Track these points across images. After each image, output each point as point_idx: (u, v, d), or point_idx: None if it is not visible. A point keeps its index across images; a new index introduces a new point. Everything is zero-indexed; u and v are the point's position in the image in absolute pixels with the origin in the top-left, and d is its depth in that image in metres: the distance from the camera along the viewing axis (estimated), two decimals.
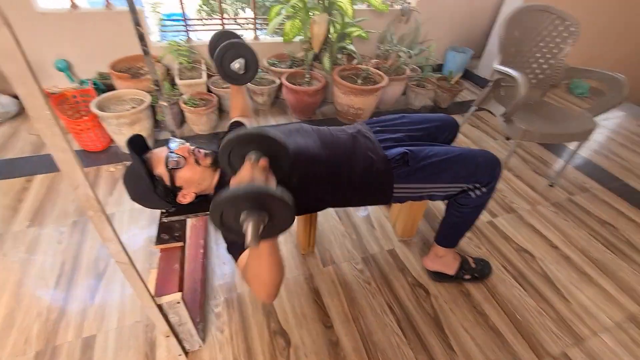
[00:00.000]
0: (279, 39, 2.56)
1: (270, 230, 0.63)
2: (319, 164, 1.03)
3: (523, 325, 1.24)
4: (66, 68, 2.11)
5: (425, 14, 2.70)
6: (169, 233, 1.03)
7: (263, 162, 0.77)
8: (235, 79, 1.17)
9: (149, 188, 0.94)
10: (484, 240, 1.57)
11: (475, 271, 1.36)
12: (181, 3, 2.20)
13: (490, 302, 1.31)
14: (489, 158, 1.11)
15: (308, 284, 1.32)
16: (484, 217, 1.67)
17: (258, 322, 1.18)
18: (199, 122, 2.05)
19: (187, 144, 1.01)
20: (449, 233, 1.28)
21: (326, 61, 2.27)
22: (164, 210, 1.08)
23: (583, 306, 1.32)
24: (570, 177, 2.04)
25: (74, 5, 2.03)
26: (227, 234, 0.72)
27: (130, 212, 1.56)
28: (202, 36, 2.46)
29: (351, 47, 2.36)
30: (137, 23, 1.09)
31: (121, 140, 1.82)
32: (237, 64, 1.10)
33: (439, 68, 3.18)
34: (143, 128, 1.83)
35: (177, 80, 2.08)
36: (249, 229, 0.57)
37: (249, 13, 4.98)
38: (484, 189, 1.12)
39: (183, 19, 2.27)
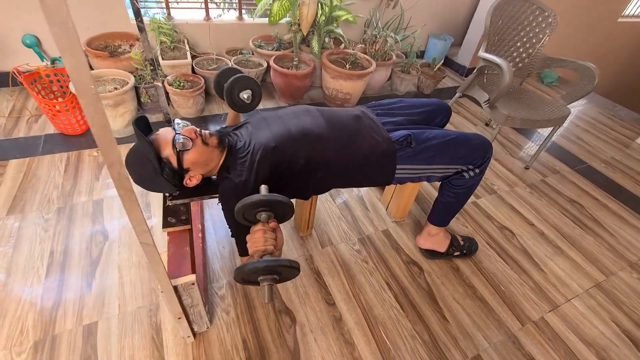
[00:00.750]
0: (264, 20, 2.50)
1: (279, 282, 0.78)
2: (325, 144, 1.05)
3: (507, 295, 1.35)
4: (35, 44, 1.94)
5: (409, 0, 2.73)
6: (175, 216, 1.01)
7: (273, 224, 0.83)
8: (241, 107, 1.24)
9: (156, 171, 0.92)
10: (470, 219, 1.67)
11: (463, 248, 1.45)
12: None
13: (477, 275, 1.41)
14: (482, 141, 1.19)
15: (309, 265, 1.36)
16: (469, 199, 1.77)
17: (263, 303, 1.21)
18: (186, 104, 1.98)
19: (192, 126, 0.99)
20: (442, 213, 1.35)
21: (315, 44, 2.25)
22: (167, 194, 1.06)
23: (557, 276, 1.46)
24: (543, 160, 2.20)
25: None
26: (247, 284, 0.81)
27: (119, 197, 1.50)
28: (184, 15, 2.34)
29: (339, 30, 2.35)
30: (137, 14, 1.03)
31: None
32: (245, 94, 1.20)
33: (420, 55, 3.25)
34: (127, 110, 1.74)
35: (160, 61, 1.98)
36: (265, 290, 0.74)
37: None
38: (477, 170, 1.19)
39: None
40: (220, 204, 1.00)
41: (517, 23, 1.93)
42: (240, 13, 2.43)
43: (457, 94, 2.12)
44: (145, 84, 1.85)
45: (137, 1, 1.04)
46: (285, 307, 1.21)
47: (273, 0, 2.03)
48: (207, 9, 2.31)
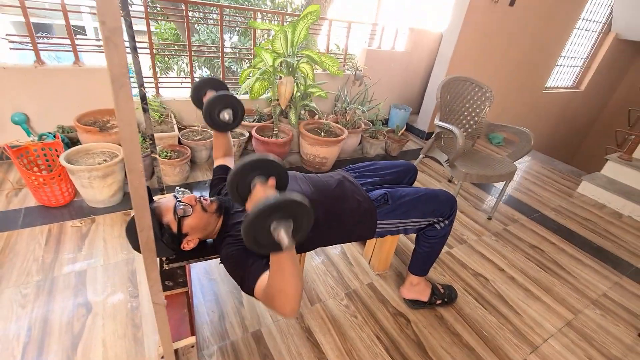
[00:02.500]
0: (245, 96, 2.78)
1: (295, 234, 0.72)
2: (315, 208, 1.17)
3: (490, 340, 1.42)
4: (23, 121, 2.02)
5: (372, 78, 3.18)
6: (172, 280, 1.05)
7: (271, 181, 0.88)
8: (223, 127, 1.26)
9: (156, 236, 0.98)
10: (446, 268, 1.79)
11: (444, 296, 1.54)
12: (153, 63, 2.33)
13: (460, 322, 1.48)
14: (447, 196, 1.37)
15: (299, 324, 1.37)
16: (443, 248, 1.91)
17: (246, 343, 1.19)
18: (172, 173, 2.07)
19: (193, 193, 1.09)
20: (421, 262, 1.47)
21: (292, 116, 2.51)
22: (164, 259, 1.10)
23: (532, 317, 1.56)
24: (502, 211, 2.44)
25: (39, 61, 2.03)
26: (259, 249, 0.75)
27: (104, 268, 1.48)
28: (171, 93, 2.56)
29: (313, 104, 2.65)
30: (141, 84, 1.19)
31: (90, 194, 1.76)
32: (226, 115, 1.18)
33: (385, 122, 3.65)
34: (115, 181, 1.80)
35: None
36: (282, 234, 0.67)
37: (206, 72, 5.22)
38: (446, 222, 1.35)
39: (154, 76, 2.38)
40: (224, 256, 1.04)
41: (462, 97, 2.31)
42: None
43: (421, 156, 2.39)
44: None
45: (143, 87, 1.20)
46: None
47: (254, 81, 2.31)
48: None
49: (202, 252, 1.14)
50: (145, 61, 2.35)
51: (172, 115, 2.39)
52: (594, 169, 3.10)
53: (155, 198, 1.30)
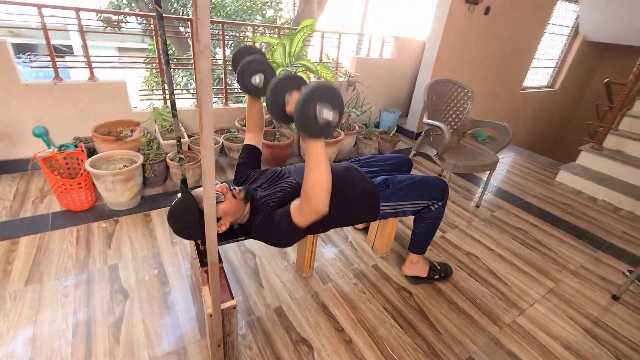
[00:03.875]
0: (243, 105, 2.97)
1: (336, 113, 0.88)
2: (337, 191, 1.34)
3: (482, 306, 1.61)
4: (43, 134, 2.16)
5: (364, 84, 3.41)
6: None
7: (303, 89, 0.98)
8: (254, 91, 1.30)
9: (195, 219, 1.15)
10: (441, 250, 1.98)
11: (441, 272, 1.73)
12: (162, 76, 2.50)
13: (456, 293, 1.67)
14: (439, 180, 1.57)
15: (315, 300, 1.54)
16: (438, 233, 2.11)
17: (280, 336, 1.35)
18: (186, 176, 2.23)
19: (224, 184, 1.26)
20: (419, 241, 1.66)
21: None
22: (200, 241, 1.26)
23: (518, 287, 1.76)
24: (489, 199, 2.67)
25: (57, 78, 2.18)
26: (312, 131, 0.89)
27: (133, 261, 1.63)
28: (177, 104, 2.73)
29: None
30: (172, 92, 1.36)
31: (112, 197, 1.91)
32: (257, 78, 1.22)
33: (377, 125, 3.88)
34: (135, 184, 1.95)
35: (161, 141, 2.28)
36: (327, 112, 0.82)
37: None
38: (439, 203, 1.55)
39: (162, 88, 2.55)
40: (256, 234, 1.22)
41: (447, 97, 2.55)
42: (227, 100, 2.88)
43: (412, 152, 2.61)
44: (150, 161, 2.10)
45: (174, 95, 1.37)
46: (300, 337, 1.35)
47: None
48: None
49: (232, 234, 1.31)
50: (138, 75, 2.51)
51: (180, 124, 2.55)
52: (570, 160, 3.37)
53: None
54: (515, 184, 3.03)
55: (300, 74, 2.65)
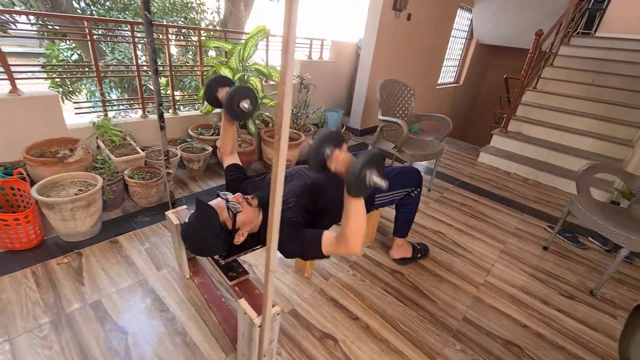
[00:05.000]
0: (196, 112, 2.82)
1: (380, 176, 0.97)
2: (328, 190, 1.42)
3: (459, 273, 1.88)
4: None
5: (316, 86, 3.52)
6: (233, 271, 1.18)
7: (344, 146, 1.05)
8: (241, 115, 1.36)
9: (216, 234, 1.12)
10: (413, 232, 2.22)
11: (421, 251, 1.95)
12: (100, 85, 2.22)
13: (436, 267, 1.91)
14: (415, 169, 1.77)
15: (323, 296, 1.60)
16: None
17: (304, 336, 1.38)
18: (148, 194, 2.04)
19: (238, 193, 1.24)
20: (403, 226, 1.84)
21: (251, 126, 2.67)
22: (217, 257, 1.21)
23: (479, 252, 2.10)
24: (436, 183, 3.04)
25: None
26: (360, 192, 0.94)
27: (118, 294, 1.46)
28: (131, 116, 2.45)
29: (267, 114, 2.85)
30: (160, 103, 1.25)
31: (70, 227, 1.65)
32: (245, 104, 1.29)
33: (322, 125, 4.03)
34: (96, 209, 1.72)
35: (113, 158, 2.03)
36: (375, 178, 0.92)
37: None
38: (418, 189, 1.75)
39: (102, 100, 2.26)
40: (279, 248, 1.21)
41: (394, 95, 2.82)
42: (175, 109, 2.68)
43: (370, 147, 2.82)
44: (106, 181, 1.86)
45: (162, 106, 1.28)
46: (323, 332, 1.41)
47: None
48: (143, 107, 2.49)
49: (248, 244, 1.28)
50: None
51: (130, 137, 2.31)
52: (485, 143, 4.02)
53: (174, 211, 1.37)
54: (450, 167, 3.50)
55: (252, 78, 2.64)
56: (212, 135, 2.67)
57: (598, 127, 3.67)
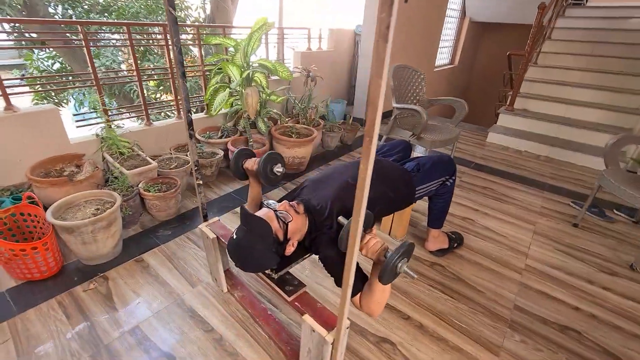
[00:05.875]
0: (201, 115, 2.69)
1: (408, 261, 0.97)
2: (372, 187, 1.34)
3: (499, 259, 1.83)
4: None
5: (323, 78, 3.40)
6: (289, 284, 1.09)
7: (374, 230, 1.04)
8: (275, 180, 1.37)
9: (268, 247, 1.03)
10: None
11: (456, 240, 1.90)
12: (101, 93, 2.07)
13: (474, 255, 1.86)
14: (449, 157, 1.69)
15: None
16: None
17: (359, 342, 1.32)
18: (167, 206, 1.92)
19: (284, 201, 1.14)
20: (439, 216, 1.78)
21: (262, 125, 2.56)
22: (267, 272, 1.12)
23: (512, 236, 2.05)
24: None
25: None
26: (390, 280, 0.95)
27: (156, 317, 1.36)
28: (125, 125, 2.31)
29: (275, 111, 2.74)
30: (189, 110, 1.14)
31: (92, 250, 1.54)
32: (279, 169, 1.33)
33: (325, 117, 3.93)
34: (117, 229, 1.61)
35: (125, 171, 1.91)
36: (406, 269, 0.93)
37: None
38: (453, 177, 1.68)
39: (104, 109, 2.11)
40: (323, 258, 1.14)
41: (405, 81, 2.73)
42: (179, 112, 2.54)
43: (384, 137, 2.74)
44: (123, 197, 1.74)
45: (190, 113, 1.17)
46: (378, 337, 1.34)
47: (227, 97, 2.28)
48: (147, 115, 2.35)
49: (297, 253, 1.19)
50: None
51: (137, 148, 2.18)
52: (487, 123, 3.98)
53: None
54: (461, 150, 3.45)
55: (257, 75, 2.52)
56: (221, 137, 2.55)
57: (603, 97, 3.65)
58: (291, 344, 1.25)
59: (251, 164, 1.34)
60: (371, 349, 1.29)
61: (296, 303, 1.05)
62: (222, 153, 2.42)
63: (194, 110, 2.84)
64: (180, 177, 2.14)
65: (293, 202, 1.17)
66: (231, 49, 2.49)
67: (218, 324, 1.35)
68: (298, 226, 1.12)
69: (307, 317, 1.00)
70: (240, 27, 2.94)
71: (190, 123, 1.18)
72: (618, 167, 2.06)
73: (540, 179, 2.87)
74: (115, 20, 4.02)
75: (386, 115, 4.50)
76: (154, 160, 2.13)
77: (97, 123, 2.05)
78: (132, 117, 2.62)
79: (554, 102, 3.77)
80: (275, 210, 1.09)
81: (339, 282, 1.14)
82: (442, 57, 5.92)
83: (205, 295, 1.48)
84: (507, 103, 3.87)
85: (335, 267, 1.13)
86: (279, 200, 1.23)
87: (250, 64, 2.49)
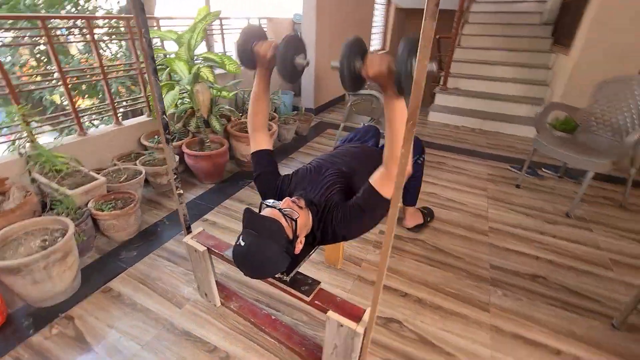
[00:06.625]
0: (142, 119, 2.40)
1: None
2: (360, 174, 1.33)
3: (467, 226, 2.00)
4: None
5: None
6: (303, 284, 1.05)
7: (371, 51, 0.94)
8: (295, 76, 1.06)
9: (281, 249, 0.97)
10: None
11: (429, 214, 2.02)
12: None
13: (445, 225, 2.01)
14: (416, 138, 1.78)
15: (364, 282, 1.56)
16: None
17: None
18: (127, 224, 1.70)
19: (286, 197, 1.08)
20: (413, 194, 1.87)
21: (216, 123, 2.38)
22: (277, 276, 1.06)
23: (471, 202, 2.25)
24: None
25: None
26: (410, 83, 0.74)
27: (147, 347, 1.21)
28: (46, 138, 1.95)
29: (227, 107, 2.57)
30: (163, 111, 0.98)
31: (46, 289, 1.29)
32: (301, 59, 1.01)
33: (277, 109, 3.83)
34: (74, 258, 1.38)
35: (67, 192, 1.62)
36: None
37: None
38: (422, 157, 1.78)
39: (24, 121, 1.75)
40: (347, 232, 1.10)
41: None
42: (117, 118, 2.24)
43: (342, 125, 2.77)
44: (76, 222, 1.49)
45: (166, 115, 1.02)
46: (384, 318, 1.38)
47: (177, 96, 2.06)
48: (79, 123, 2.02)
49: (303, 253, 1.14)
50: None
51: (77, 162, 1.86)
52: (429, 103, 4.27)
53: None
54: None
55: (203, 69, 2.34)
56: (172, 141, 2.31)
57: (516, 73, 4.17)
58: (305, 344, 1.22)
59: (265, 47, 1.05)
60: (381, 331, 1.32)
61: (316, 302, 1.02)
62: (177, 158, 2.21)
63: (121, 117, 2.53)
64: (135, 189, 1.91)
65: (294, 198, 1.11)
66: (168, 42, 2.25)
67: (220, 340, 1.25)
68: (303, 222, 1.07)
69: (332, 313, 0.98)
70: (182, 17, 2.67)
71: (166, 127, 1.04)
72: (547, 132, 2.38)
73: (480, 150, 3.19)
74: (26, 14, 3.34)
75: (330, 104, 4.55)
76: (98, 174, 1.86)
77: (19, 138, 1.71)
78: (60, 127, 2.23)
79: (479, 79, 4.19)
80: (280, 209, 1.03)
81: (364, 208, 1.06)
82: (374, 44, 6.16)
83: (197, 314, 1.36)
84: (441, 83, 4.20)
85: (353, 214, 1.07)
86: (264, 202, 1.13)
87: (195, 58, 2.29)
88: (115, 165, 2.06)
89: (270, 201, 1.07)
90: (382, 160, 1.03)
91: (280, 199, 1.16)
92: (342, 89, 4.85)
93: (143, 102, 2.41)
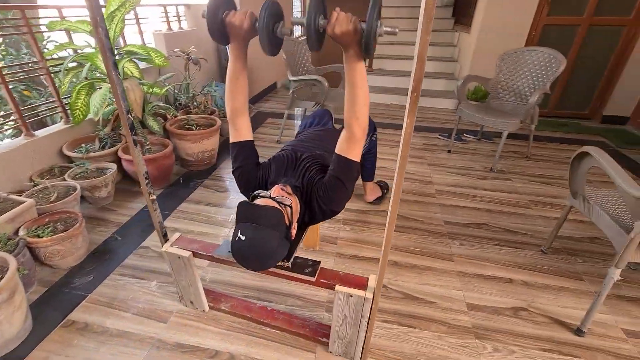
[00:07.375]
0: (59, 126, 2.06)
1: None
2: (327, 155, 1.38)
3: (419, 192, 2.23)
4: None
5: (176, 60, 3.02)
6: (305, 266, 1.08)
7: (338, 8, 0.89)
8: (277, 47, 0.97)
9: (281, 237, 0.98)
10: None
11: (385, 187, 2.19)
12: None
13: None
14: (369, 118, 1.90)
15: (344, 258, 1.65)
16: None
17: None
18: (74, 248, 1.48)
19: (277, 185, 1.08)
20: (370, 170, 2.00)
21: (153, 123, 2.17)
22: (279, 264, 1.07)
23: (418, 171, 2.50)
24: None
25: None
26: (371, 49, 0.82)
27: None
28: None
29: (162, 104, 2.35)
30: (128, 110, 0.86)
31: None
32: (286, 29, 0.92)
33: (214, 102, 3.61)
34: (22, 297, 1.17)
35: None
36: (389, 27, 0.78)
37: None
38: (375, 134, 1.91)
39: None
40: (333, 206, 1.13)
41: (295, 54, 2.77)
42: (27, 128, 1.88)
43: (286, 113, 2.77)
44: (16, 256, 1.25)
45: (131, 114, 0.92)
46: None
47: (101, 99, 1.81)
48: None
49: (296, 238, 1.15)
50: None
51: None
52: None
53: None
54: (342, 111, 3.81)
55: (126, 63, 2.11)
56: (103, 148, 2.05)
57: (428, 51, 4.61)
58: (307, 325, 1.26)
59: (240, 17, 0.93)
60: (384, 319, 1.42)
61: (322, 280, 1.06)
62: (114, 167, 1.96)
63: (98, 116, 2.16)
64: (72, 207, 1.66)
65: (281, 185, 1.11)
66: (75, 35, 1.95)
67: (219, 343, 1.22)
68: (295, 206, 1.09)
69: (340, 287, 1.03)
70: (78, 6, 2.30)
71: (132, 128, 0.94)
72: (466, 101, 2.73)
73: (426, 124, 3.50)
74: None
75: (263, 93, 4.47)
76: (20, 196, 1.56)
77: None
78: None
79: (398, 59, 4.54)
80: (272, 198, 1.03)
81: (346, 173, 1.08)
82: (297, 29, 6.14)
83: (186, 323, 1.28)
84: (367, 65, 4.43)
85: (333, 195, 1.10)
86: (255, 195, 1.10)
87: (116, 51, 2.04)
88: (35, 184, 1.75)
89: (260, 191, 1.06)
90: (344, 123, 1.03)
91: (265, 188, 1.15)
92: (272, 78, 4.83)
93: (56, 107, 2.06)
